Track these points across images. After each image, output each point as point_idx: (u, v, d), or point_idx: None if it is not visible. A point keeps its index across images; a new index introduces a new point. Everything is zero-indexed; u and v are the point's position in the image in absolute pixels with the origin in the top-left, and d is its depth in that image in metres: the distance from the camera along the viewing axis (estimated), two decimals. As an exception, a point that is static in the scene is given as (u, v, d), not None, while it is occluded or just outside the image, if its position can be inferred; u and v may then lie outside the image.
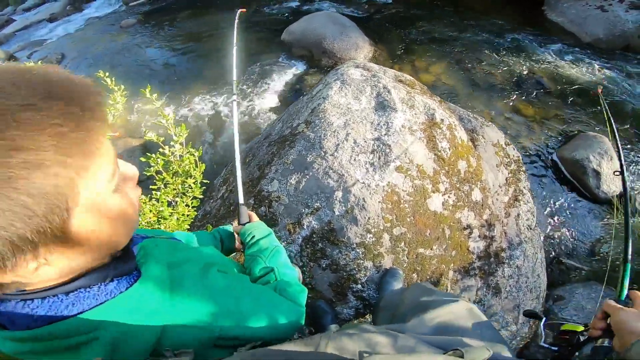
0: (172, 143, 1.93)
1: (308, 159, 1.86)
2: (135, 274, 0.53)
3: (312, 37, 4.69)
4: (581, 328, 0.93)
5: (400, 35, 5.06)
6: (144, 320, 0.49)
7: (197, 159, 1.98)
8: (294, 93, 4.23)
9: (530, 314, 0.98)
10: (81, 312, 0.45)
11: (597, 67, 4.60)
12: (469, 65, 4.40)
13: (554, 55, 4.76)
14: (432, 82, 4.18)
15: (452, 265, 1.92)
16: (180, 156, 1.93)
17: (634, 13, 5.24)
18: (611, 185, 2.95)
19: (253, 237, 0.94)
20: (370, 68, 2.43)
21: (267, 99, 4.21)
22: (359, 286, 1.77)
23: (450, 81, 4.23)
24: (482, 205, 1.97)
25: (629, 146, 3.52)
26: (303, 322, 0.78)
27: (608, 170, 3.02)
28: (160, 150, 1.89)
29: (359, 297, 1.78)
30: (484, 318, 0.93)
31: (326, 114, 2.07)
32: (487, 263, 2.04)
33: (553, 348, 0.95)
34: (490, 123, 2.21)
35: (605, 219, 2.74)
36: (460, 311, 0.94)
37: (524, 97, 4.00)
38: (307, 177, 1.83)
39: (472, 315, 0.93)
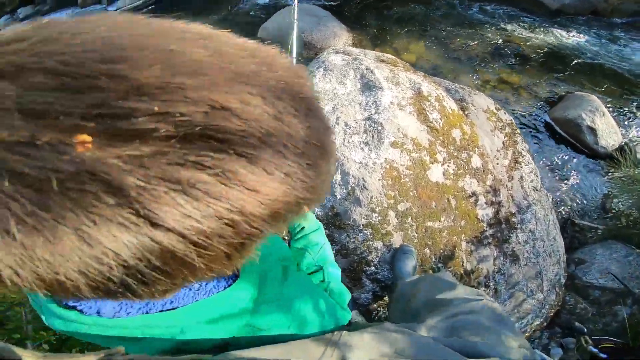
0: None
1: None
2: (235, 273, 0.50)
3: (289, 31, 4.66)
4: None
5: (376, 18, 5.09)
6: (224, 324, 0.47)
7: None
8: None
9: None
10: (174, 309, 0.44)
11: (568, 32, 4.70)
12: (447, 41, 4.43)
13: (526, 24, 4.84)
14: (414, 61, 4.17)
15: (463, 236, 1.89)
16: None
17: (599, -22, 5.31)
18: (609, 140, 2.94)
19: (302, 228, 0.88)
20: (351, 52, 2.42)
21: None
22: (372, 268, 1.74)
23: (431, 58, 4.24)
24: (483, 171, 1.94)
25: (617, 104, 3.55)
26: None
27: (602, 125, 3.02)
28: None
29: (374, 279, 1.76)
30: (508, 319, 0.87)
31: (314, 104, 2.05)
32: (499, 230, 2.01)
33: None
34: (477, 92, 2.19)
35: (610, 174, 2.71)
36: (482, 311, 0.86)
37: (505, 66, 4.05)
38: None
39: (495, 316, 0.85)
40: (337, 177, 1.78)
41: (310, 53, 4.37)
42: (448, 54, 4.26)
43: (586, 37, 4.69)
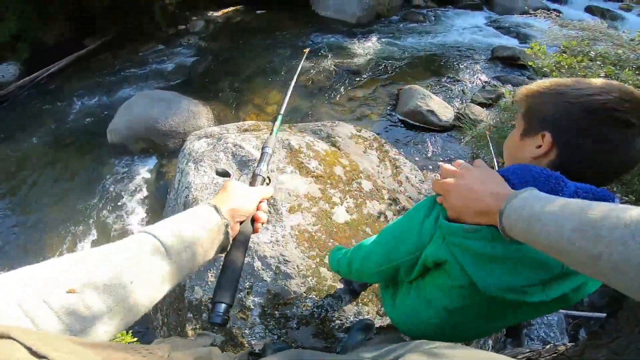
0: None
1: (208, 252, 1.73)
2: None
3: (142, 125, 4.18)
4: None
5: (225, 82, 5.19)
6: None
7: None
8: (162, 191, 3.86)
9: (220, 173, 0.87)
10: None
11: (371, 38, 5.78)
12: (297, 79, 4.86)
13: (342, 43, 5.75)
14: (276, 111, 4.41)
15: None
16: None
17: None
18: (447, 115, 3.61)
19: None
20: (212, 133, 2.40)
21: (139, 212, 3.70)
22: (337, 322, 1.70)
23: (290, 101, 4.53)
24: (377, 190, 2.08)
25: (435, 85, 4.43)
26: None
27: (436, 106, 3.68)
28: None
29: (345, 329, 1.71)
30: None
31: (199, 201, 1.94)
32: None
33: None
34: (337, 122, 2.40)
35: (462, 138, 3.25)
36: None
37: (347, 85, 4.71)
38: (220, 267, 1.71)
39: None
40: (257, 263, 1.72)
41: (175, 141, 4.13)
42: (302, 93, 4.66)
43: (385, 38, 5.90)
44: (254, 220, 0.73)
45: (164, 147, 4.19)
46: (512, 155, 0.69)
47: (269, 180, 0.85)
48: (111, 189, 3.92)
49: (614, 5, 8.40)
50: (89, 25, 6.85)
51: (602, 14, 7.80)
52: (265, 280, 1.69)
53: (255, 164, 0.84)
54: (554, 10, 7.15)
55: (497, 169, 0.69)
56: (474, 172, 0.61)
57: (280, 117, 0.98)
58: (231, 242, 0.68)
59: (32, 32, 6.31)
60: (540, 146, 0.62)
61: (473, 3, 7.91)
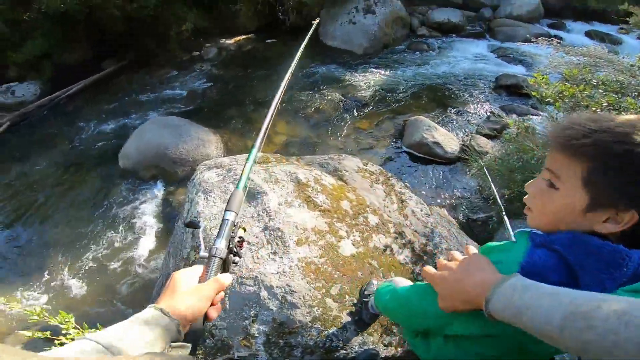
0: (63, 331, 1.59)
1: (217, 280, 1.79)
2: None
3: (153, 152, 4.25)
4: None
5: (234, 110, 5.32)
6: None
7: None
8: (168, 218, 3.92)
9: (189, 224, 0.82)
10: None
11: (378, 68, 5.98)
12: (302, 110, 4.98)
13: (349, 73, 5.90)
14: (284, 141, 4.53)
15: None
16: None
17: (369, 17, 6.99)
18: (452, 146, 3.67)
19: None
20: (222, 164, 2.47)
21: (144, 238, 3.75)
22: (343, 351, 1.73)
23: (298, 131, 4.67)
24: (383, 224, 2.11)
25: (440, 116, 4.51)
26: None
27: (441, 137, 3.74)
28: (57, 341, 1.53)
29: (351, 359, 1.74)
30: None
31: (207, 232, 1.99)
32: (425, 263, 2.18)
33: None
34: (343, 155, 2.47)
35: (468, 170, 3.29)
36: None
37: (353, 116, 4.78)
38: (227, 295, 1.78)
39: None
40: (264, 292, 1.75)
41: (184, 169, 4.22)
42: (309, 124, 4.76)
43: (391, 68, 6.05)
44: (206, 316, 0.65)
45: (173, 174, 4.27)
46: (559, 221, 0.61)
47: (238, 243, 0.73)
48: (119, 213, 3.99)
49: (613, 29, 8.53)
50: (108, 48, 7.16)
51: (602, 38, 7.91)
52: (271, 309, 1.72)
53: (214, 238, 0.71)
54: (555, 36, 7.31)
55: (499, 202, 0.73)
56: (461, 263, 0.64)
57: (251, 157, 0.88)
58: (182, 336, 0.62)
59: (56, 53, 6.61)
60: (608, 219, 0.56)
61: (476, 32, 8.11)
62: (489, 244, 0.79)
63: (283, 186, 2.02)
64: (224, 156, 4.36)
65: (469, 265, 0.62)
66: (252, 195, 2.05)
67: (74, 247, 3.70)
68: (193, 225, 0.76)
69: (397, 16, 7.32)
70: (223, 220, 0.73)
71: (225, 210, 0.74)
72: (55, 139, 5.35)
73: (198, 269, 0.68)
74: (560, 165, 0.59)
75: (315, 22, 1.77)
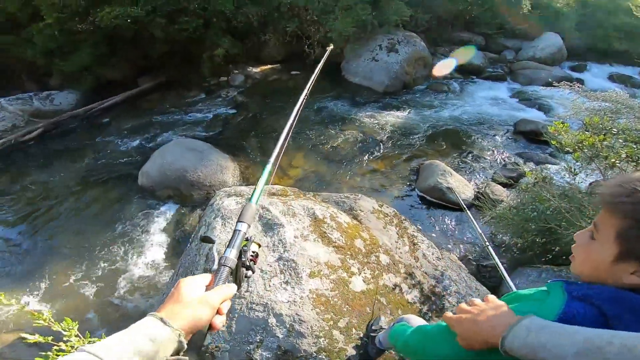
0: (65, 338, 1.61)
1: (226, 302, 1.83)
2: None
3: (172, 173, 4.34)
4: None
5: (254, 140, 5.47)
6: None
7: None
8: (179, 239, 4.00)
9: (205, 239, 0.82)
10: None
11: (397, 108, 6.09)
12: (320, 147, 5.10)
13: (368, 111, 6.01)
14: (301, 175, 4.61)
15: None
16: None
17: (392, 55, 7.20)
18: (467, 193, 3.69)
19: None
20: (242, 192, 2.56)
21: (154, 256, 3.80)
22: None
23: (314, 168, 4.75)
24: (394, 264, 2.15)
25: (456, 161, 4.54)
26: None
27: (456, 183, 3.78)
28: (56, 347, 1.55)
29: None
30: None
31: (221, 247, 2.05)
32: (432, 303, 2.18)
33: None
34: (359, 195, 2.54)
35: (481, 218, 3.30)
36: None
37: (370, 156, 4.86)
38: (235, 318, 1.82)
39: None
40: (272, 319, 1.78)
41: (200, 193, 4.34)
42: (326, 160, 4.85)
43: (409, 108, 6.13)
44: (210, 326, 0.63)
45: (189, 196, 4.37)
46: (597, 270, 0.65)
47: (251, 257, 0.72)
48: (131, 230, 4.11)
49: (635, 71, 8.54)
50: (146, 66, 7.62)
51: (624, 81, 7.95)
52: (277, 337, 1.75)
53: (224, 246, 0.70)
54: (577, 79, 7.37)
55: (490, 249, 0.78)
56: (480, 307, 0.71)
57: (265, 174, 0.88)
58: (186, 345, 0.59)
59: (99, 66, 7.07)
60: (635, 271, 0.60)
61: (497, 74, 8.12)
62: (518, 291, 0.82)
63: (300, 220, 2.10)
64: (240, 184, 4.49)
65: (487, 309, 0.69)
66: (270, 226, 2.13)
67: (84, 258, 3.82)
68: (208, 240, 0.77)
69: (420, 56, 7.53)
70: (235, 230, 0.72)
71: (238, 222, 0.74)
72: (82, 150, 5.63)
73: (206, 277, 0.66)
74: (602, 219, 0.64)
75: (329, 48, 1.84)
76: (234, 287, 0.68)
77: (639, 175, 0.62)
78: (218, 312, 0.64)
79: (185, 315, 0.59)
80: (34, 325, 1.68)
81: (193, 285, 0.63)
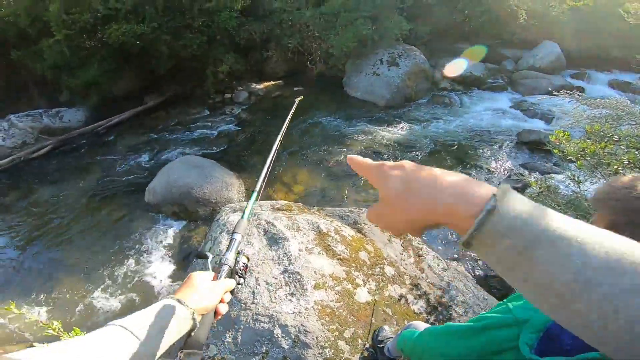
0: None
1: (232, 314, 1.87)
2: None
3: (178, 189, 4.43)
4: None
5: (258, 156, 5.53)
6: None
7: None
8: (185, 255, 4.04)
9: (199, 255, 0.92)
10: None
11: (398, 123, 6.08)
12: (323, 161, 5.12)
13: (372, 125, 6.03)
14: (305, 190, 4.64)
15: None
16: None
17: (393, 69, 7.28)
18: None
19: None
20: (247, 208, 2.59)
21: (160, 271, 3.85)
22: None
23: (317, 183, 4.78)
24: (399, 275, 2.15)
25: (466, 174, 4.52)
26: None
27: None
28: None
29: None
30: None
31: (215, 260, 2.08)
32: (439, 313, 2.17)
33: None
34: (363, 209, 2.56)
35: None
36: None
37: None
38: (240, 329, 1.83)
39: None
40: (278, 330, 1.80)
41: (206, 210, 4.39)
42: (329, 175, 4.88)
43: (412, 122, 6.14)
44: (215, 312, 0.75)
45: (194, 213, 4.43)
46: None
47: (242, 268, 0.86)
48: (138, 245, 4.16)
49: (633, 77, 8.50)
50: (151, 83, 7.79)
51: (624, 88, 7.95)
52: (283, 347, 1.75)
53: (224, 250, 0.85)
54: (577, 87, 7.37)
55: None
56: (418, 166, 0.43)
57: (254, 195, 1.02)
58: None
59: (105, 83, 7.24)
60: None
61: (498, 84, 8.15)
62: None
63: (304, 234, 2.12)
64: (245, 200, 4.53)
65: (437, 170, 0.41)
66: (275, 240, 2.15)
67: (91, 272, 3.87)
68: (203, 256, 0.89)
69: (420, 69, 7.62)
70: (231, 239, 0.88)
71: (233, 232, 0.90)
72: (90, 167, 5.74)
73: (211, 273, 0.79)
74: (595, 218, 0.69)
75: (297, 99, 1.99)
76: (233, 281, 0.81)
77: (628, 177, 0.67)
78: (221, 301, 0.76)
79: (197, 299, 0.70)
80: (44, 334, 1.71)
81: (202, 277, 0.75)
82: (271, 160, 1.22)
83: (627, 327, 0.29)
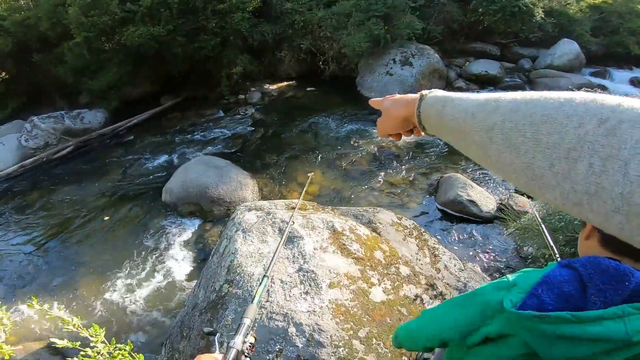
0: (92, 344, 1.68)
1: (246, 312, 1.89)
2: None
3: (194, 189, 4.52)
4: None
5: (272, 157, 5.57)
6: None
7: (129, 351, 1.73)
8: (200, 253, 4.10)
9: (209, 333, 1.02)
10: None
11: None
12: (338, 162, 5.13)
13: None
14: (319, 190, 4.63)
15: None
16: (110, 353, 1.68)
17: (407, 68, 7.20)
18: (488, 205, 3.62)
19: None
20: (262, 207, 2.61)
21: (175, 269, 3.92)
22: None
23: (332, 184, 4.76)
24: (414, 275, 2.13)
25: (476, 174, 4.46)
26: None
27: (477, 195, 3.71)
28: (82, 353, 1.62)
29: None
30: None
31: (243, 267, 2.10)
32: None
33: None
34: (378, 208, 2.55)
35: (505, 230, 3.22)
36: None
37: (388, 170, 4.84)
38: (255, 327, 1.83)
39: None
40: (292, 329, 1.80)
41: (221, 209, 4.45)
42: (344, 176, 4.86)
43: None
44: None
45: (209, 212, 4.51)
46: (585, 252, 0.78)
47: (249, 347, 0.93)
48: (154, 244, 4.24)
49: None
50: (167, 85, 7.94)
51: None
52: (297, 346, 1.75)
53: (234, 334, 0.92)
54: (599, 85, 7.14)
55: (557, 257, 0.77)
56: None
57: (265, 281, 1.10)
58: None
59: (123, 85, 7.42)
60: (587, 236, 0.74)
61: (515, 83, 7.98)
62: None
63: (319, 233, 2.12)
64: (259, 200, 4.58)
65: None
66: (289, 239, 2.16)
67: (110, 270, 3.96)
68: (212, 332, 0.99)
69: (434, 68, 7.55)
70: (240, 323, 0.95)
71: (243, 317, 0.97)
72: (109, 167, 5.88)
73: (219, 356, 0.84)
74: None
75: (310, 175, 2.18)
76: None
77: None
78: None
79: None
80: (63, 330, 1.75)
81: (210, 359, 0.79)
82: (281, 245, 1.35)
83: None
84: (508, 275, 0.78)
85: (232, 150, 5.91)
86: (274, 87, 8.22)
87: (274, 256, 1.22)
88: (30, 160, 6.09)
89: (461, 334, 0.83)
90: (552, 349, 0.66)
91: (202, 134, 6.52)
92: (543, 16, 8.72)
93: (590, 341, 0.62)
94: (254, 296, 1.04)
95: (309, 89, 7.88)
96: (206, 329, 1.02)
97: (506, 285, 0.75)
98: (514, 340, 0.72)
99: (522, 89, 7.84)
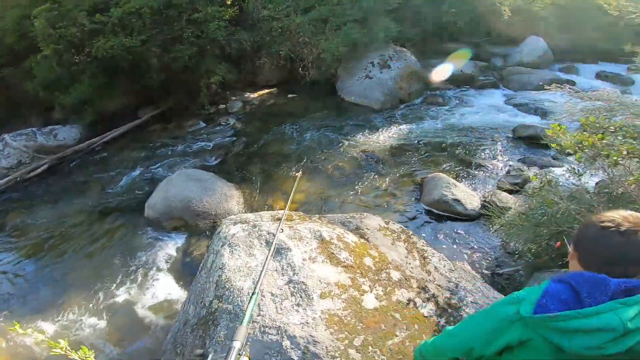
0: None
1: (238, 327, 1.84)
2: None
3: (178, 204, 4.41)
4: None
5: (256, 166, 5.48)
6: None
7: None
8: (188, 268, 3.98)
9: (201, 355, 1.05)
10: None
11: (394, 125, 6.14)
12: (322, 168, 5.11)
13: (367, 130, 6.06)
14: (305, 198, 4.59)
15: (424, 336, 1.97)
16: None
17: (385, 71, 7.30)
18: (473, 203, 3.68)
19: None
20: (247, 220, 2.56)
21: (162, 285, 3.79)
22: None
23: (318, 190, 4.73)
24: (405, 279, 2.12)
25: (459, 172, 4.53)
26: None
27: (461, 194, 3.77)
28: None
29: None
30: None
31: (232, 282, 2.06)
32: (449, 315, 2.14)
33: None
34: (365, 213, 2.54)
35: (491, 226, 3.26)
36: None
37: (372, 173, 4.86)
38: (248, 343, 1.79)
39: None
40: (286, 342, 1.76)
41: (206, 222, 4.34)
42: (329, 182, 4.84)
43: (407, 123, 6.19)
44: None
45: (194, 226, 4.39)
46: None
47: None
48: (140, 261, 4.11)
49: (622, 68, 8.53)
50: (144, 97, 7.72)
51: (613, 79, 7.99)
52: (293, 359, 1.72)
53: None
54: (567, 81, 7.40)
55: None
56: None
57: (254, 298, 1.10)
58: None
59: (97, 98, 7.10)
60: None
61: (489, 82, 8.18)
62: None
63: (307, 243, 2.09)
64: (245, 211, 4.50)
65: None
66: (277, 251, 2.12)
67: (94, 290, 3.81)
68: (203, 355, 1.03)
69: (412, 70, 7.65)
70: (230, 347, 0.91)
71: (232, 340, 0.93)
72: (87, 185, 5.66)
73: None
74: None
75: (298, 174, 2.29)
76: None
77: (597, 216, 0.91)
78: None
79: None
80: (51, 353, 1.66)
81: None
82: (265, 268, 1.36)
83: None
84: (516, 293, 0.94)
85: (215, 162, 5.79)
86: (255, 95, 8.16)
87: (262, 270, 1.20)
88: (4, 180, 5.82)
89: (487, 341, 0.95)
90: (572, 341, 0.79)
91: (183, 146, 6.38)
92: (510, 15, 9.01)
93: (596, 331, 0.77)
94: (244, 315, 1.01)
95: (290, 95, 7.86)
96: (197, 352, 0.99)
97: (516, 300, 0.91)
98: (536, 342, 0.85)
99: (496, 86, 8.10)
